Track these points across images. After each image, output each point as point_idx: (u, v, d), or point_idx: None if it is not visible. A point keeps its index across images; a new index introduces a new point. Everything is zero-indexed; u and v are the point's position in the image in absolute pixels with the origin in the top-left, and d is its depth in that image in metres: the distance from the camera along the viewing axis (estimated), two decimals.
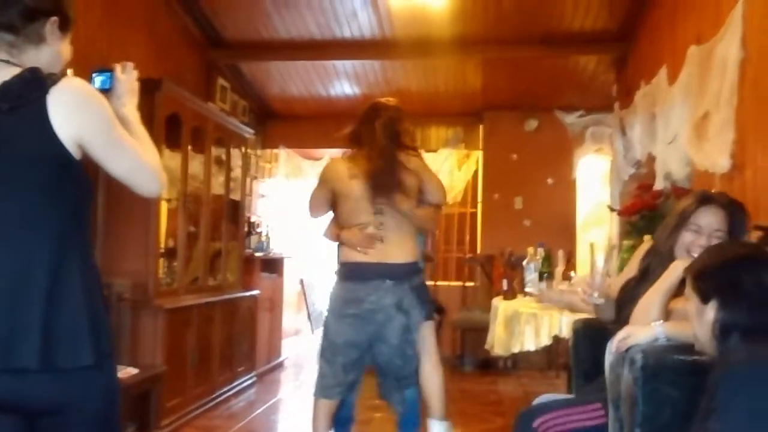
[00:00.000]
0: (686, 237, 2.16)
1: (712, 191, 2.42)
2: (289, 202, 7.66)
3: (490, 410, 5.09)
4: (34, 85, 1.49)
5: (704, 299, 1.65)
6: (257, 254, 6.26)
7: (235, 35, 5.98)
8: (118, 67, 1.75)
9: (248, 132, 5.97)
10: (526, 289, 4.33)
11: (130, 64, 1.77)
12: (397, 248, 3.21)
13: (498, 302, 4.18)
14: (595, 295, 2.37)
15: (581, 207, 7.24)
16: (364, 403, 4.00)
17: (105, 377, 1.59)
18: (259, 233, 6.58)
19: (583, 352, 2.75)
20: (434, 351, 3.34)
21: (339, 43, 5.94)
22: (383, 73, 6.60)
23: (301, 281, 7.99)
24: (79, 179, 1.57)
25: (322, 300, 7.64)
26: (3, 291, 1.46)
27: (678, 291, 2.04)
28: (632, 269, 2.42)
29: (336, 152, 3.93)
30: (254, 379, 5.84)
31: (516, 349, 3.71)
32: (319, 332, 3.71)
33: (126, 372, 3.73)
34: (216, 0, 5.36)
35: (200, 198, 5.01)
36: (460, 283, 7.30)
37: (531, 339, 3.57)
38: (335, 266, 3.36)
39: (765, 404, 1.37)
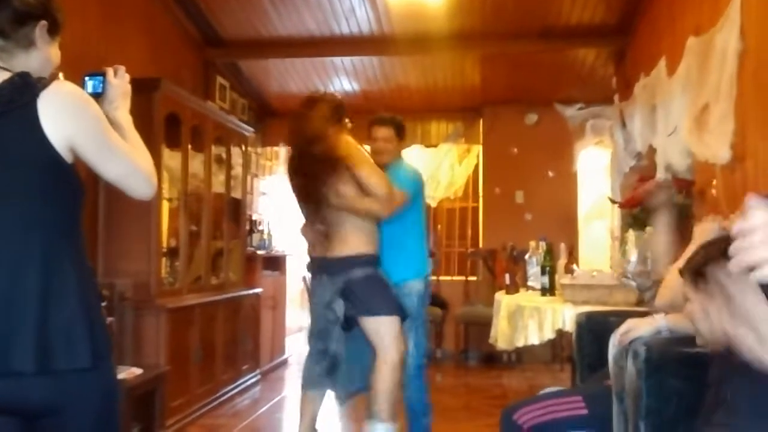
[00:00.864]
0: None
1: None
2: (290, 200, 7.65)
3: (495, 404, 5.08)
4: (25, 90, 1.49)
5: (702, 291, 1.58)
6: (259, 252, 6.26)
7: (233, 33, 5.98)
8: (110, 71, 1.75)
9: (248, 130, 5.97)
10: (529, 283, 4.33)
11: (122, 68, 1.77)
12: (339, 243, 3.25)
13: (501, 296, 4.18)
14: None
15: (582, 200, 7.24)
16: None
17: (102, 379, 1.59)
18: (261, 231, 6.59)
19: (586, 345, 2.76)
20: (388, 349, 3.18)
21: (337, 40, 5.94)
22: (382, 69, 6.59)
23: (304, 278, 7.97)
24: (71, 182, 1.57)
25: None
26: None
27: None
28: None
29: None
30: (258, 377, 5.85)
31: (520, 343, 3.71)
32: None
33: (130, 372, 3.74)
34: None
35: (201, 197, 5.01)
36: (462, 278, 7.30)
37: (535, 333, 3.56)
38: None
39: None
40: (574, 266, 4.16)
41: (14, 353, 1.45)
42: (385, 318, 3.19)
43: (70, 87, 1.56)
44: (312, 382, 3.34)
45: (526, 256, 4.48)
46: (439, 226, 7.84)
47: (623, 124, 5.34)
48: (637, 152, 5.03)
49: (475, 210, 7.61)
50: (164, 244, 4.55)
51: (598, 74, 6.41)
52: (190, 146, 4.78)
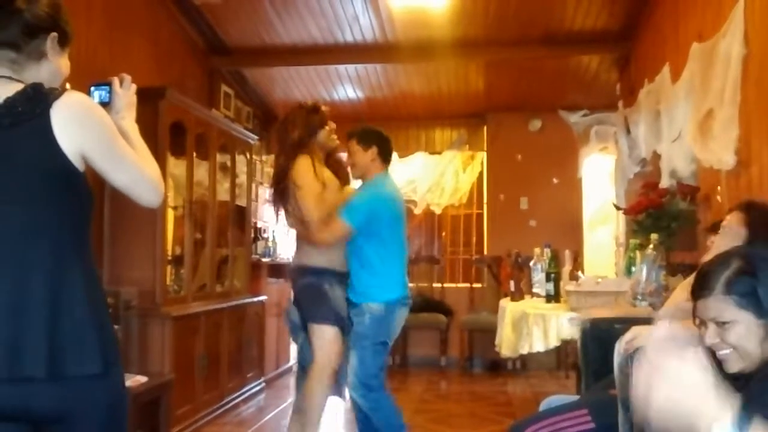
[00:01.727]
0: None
1: None
2: None
3: (500, 411, 5.08)
4: (37, 101, 1.51)
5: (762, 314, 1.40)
6: (264, 260, 6.27)
7: (237, 42, 6.00)
8: (116, 81, 1.77)
9: (252, 138, 5.98)
10: (534, 290, 4.33)
11: (128, 78, 1.79)
12: (296, 252, 3.58)
13: (505, 303, 4.18)
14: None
15: (587, 206, 7.23)
16: None
17: (111, 385, 1.60)
18: (266, 239, 6.59)
19: (592, 353, 2.75)
20: (315, 355, 3.32)
21: (341, 48, 5.95)
22: (386, 77, 6.60)
23: None
24: (82, 190, 1.59)
25: None
26: (8, 301, 1.48)
27: None
28: None
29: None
30: (263, 384, 5.84)
31: (524, 351, 3.70)
32: None
33: (135, 380, 3.74)
34: (218, 7, 5.37)
35: (206, 205, 5.02)
36: (467, 285, 7.29)
37: (539, 340, 3.56)
38: None
39: None
40: (579, 273, 4.16)
41: (25, 359, 1.46)
42: (317, 326, 3.35)
43: (82, 97, 1.58)
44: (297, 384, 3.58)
45: (531, 263, 4.48)
46: (443, 233, 7.83)
47: (627, 131, 5.34)
48: (641, 158, 5.03)
49: (480, 217, 7.60)
50: (169, 252, 4.56)
51: (602, 80, 6.41)
52: (194, 154, 4.79)
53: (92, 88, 1.75)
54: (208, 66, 6.06)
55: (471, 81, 6.75)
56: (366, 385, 3.39)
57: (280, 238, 6.95)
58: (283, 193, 3.38)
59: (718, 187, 3.47)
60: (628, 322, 2.34)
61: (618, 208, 5.11)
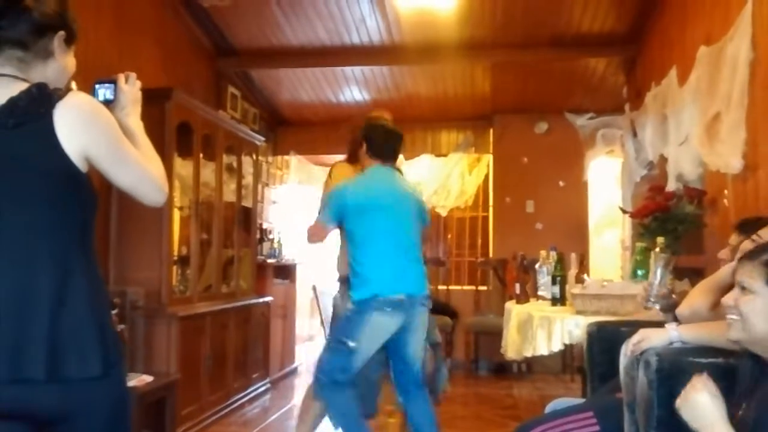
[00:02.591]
0: (745, 243, 2.22)
1: None
2: (300, 209, 7.67)
3: (506, 414, 5.07)
4: (41, 101, 1.51)
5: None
6: (270, 261, 6.27)
7: (244, 43, 6.01)
8: (121, 78, 1.76)
9: (259, 139, 5.99)
10: (539, 293, 4.32)
11: (133, 75, 1.78)
12: None
13: (511, 306, 4.17)
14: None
15: (593, 209, 7.21)
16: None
17: (113, 386, 1.60)
18: (271, 240, 6.60)
19: (597, 355, 2.74)
20: None
21: (348, 50, 5.96)
22: (392, 79, 6.61)
23: (314, 287, 7.99)
24: (86, 191, 1.59)
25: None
26: (9, 301, 1.48)
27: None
28: None
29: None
30: (268, 385, 5.85)
31: (529, 353, 3.69)
32: None
33: (140, 380, 3.75)
34: (225, 9, 5.38)
35: (212, 205, 5.03)
36: (473, 288, 7.29)
37: (544, 343, 3.55)
38: None
39: None
40: (585, 276, 4.15)
41: (25, 360, 1.46)
42: None
43: (85, 98, 1.58)
44: None
45: (537, 266, 4.47)
46: (449, 236, 7.84)
47: (634, 134, 5.34)
48: (648, 162, 5.02)
49: (486, 219, 7.60)
50: (175, 253, 4.57)
51: (608, 83, 6.40)
52: (201, 155, 4.81)
53: (96, 86, 1.74)
54: (215, 67, 6.08)
55: (477, 83, 6.74)
56: (316, 377, 3.37)
57: (286, 239, 6.97)
58: None
59: (725, 191, 3.46)
60: (635, 325, 2.34)
61: (624, 211, 5.10)
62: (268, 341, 5.91)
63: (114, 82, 1.75)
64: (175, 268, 4.52)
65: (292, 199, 7.74)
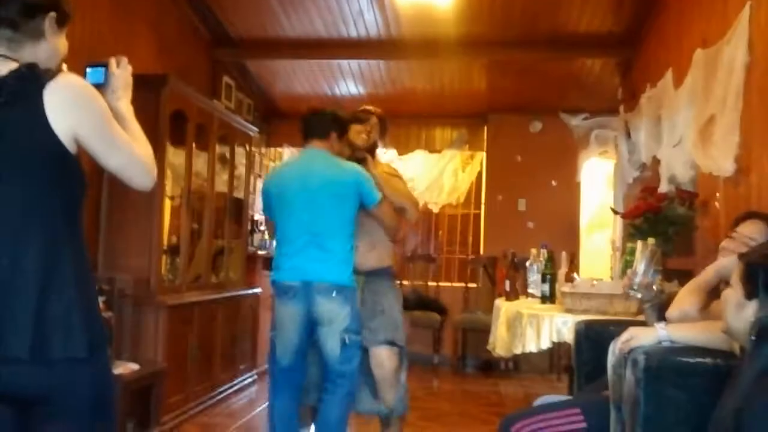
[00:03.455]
0: (725, 242, 2.29)
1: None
2: None
3: (491, 411, 5.08)
4: (31, 81, 1.51)
5: (749, 294, 1.53)
6: (260, 252, 6.26)
7: (241, 33, 5.99)
8: (112, 61, 1.77)
9: (253, 130, 5.97)
10: (529, 290, 4.32)
11: (124, 59, 1.78)
12: None
13: (500, 303, 4.17)
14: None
15: (585, 209, 7.23)
16: None
17: (97, 369, 1.60)
18: (262, 231, 6.58)
19: (585, 354, 2.75)
20: None
21: (345, 43, 5.95)
22: (388, 73, 6.60)
23: None
24: (74, 173, 1.59)
25: None
26: None
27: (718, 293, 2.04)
28: None
29: None
30: (255, 377, 5.84)
31: (518, 351, 3.69)
32: None
33: (127, 368, 3.74)
34: None
35: (204, 195, 5.01)
36: (462, 285, 7.29)
37: (532, 341, 3.55)
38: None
39: None
40: (575, 275, 4.15)
41: (10, 340, 1.46)
42: None
43: (75, 79, 1.57)
44: None
45: (527, 263, 4.47)
46: (440, 232, 7.84)
47: (628, 135, 5.34)
48: (641, 163, 5.03)
49: (477, 217, 7.60)
50: (165, 242, 4.55)
51: (604, 84, 6.41)
52: (194, 144, 4.78)
53: (88, 68, 1.74)
54: (211, 56, 6.05)
55: (473, 80, 6.74)
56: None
57: None
58: None
59: (717, 194, 3.47)
60: (623, 325, 2.35)
61: (615, 212, 5.11)
62: (257, 333, 5.90)
63: (105, 65, 1.75)
64: (164, 257, 4.51)
65: None
